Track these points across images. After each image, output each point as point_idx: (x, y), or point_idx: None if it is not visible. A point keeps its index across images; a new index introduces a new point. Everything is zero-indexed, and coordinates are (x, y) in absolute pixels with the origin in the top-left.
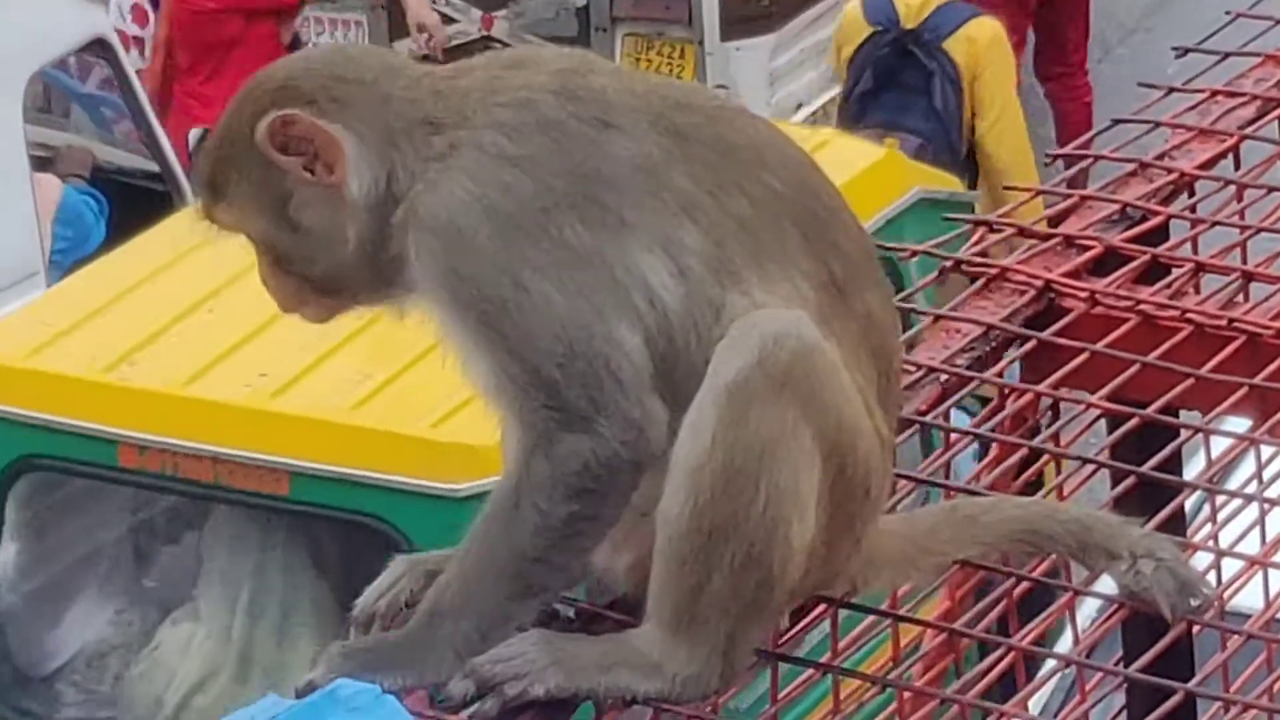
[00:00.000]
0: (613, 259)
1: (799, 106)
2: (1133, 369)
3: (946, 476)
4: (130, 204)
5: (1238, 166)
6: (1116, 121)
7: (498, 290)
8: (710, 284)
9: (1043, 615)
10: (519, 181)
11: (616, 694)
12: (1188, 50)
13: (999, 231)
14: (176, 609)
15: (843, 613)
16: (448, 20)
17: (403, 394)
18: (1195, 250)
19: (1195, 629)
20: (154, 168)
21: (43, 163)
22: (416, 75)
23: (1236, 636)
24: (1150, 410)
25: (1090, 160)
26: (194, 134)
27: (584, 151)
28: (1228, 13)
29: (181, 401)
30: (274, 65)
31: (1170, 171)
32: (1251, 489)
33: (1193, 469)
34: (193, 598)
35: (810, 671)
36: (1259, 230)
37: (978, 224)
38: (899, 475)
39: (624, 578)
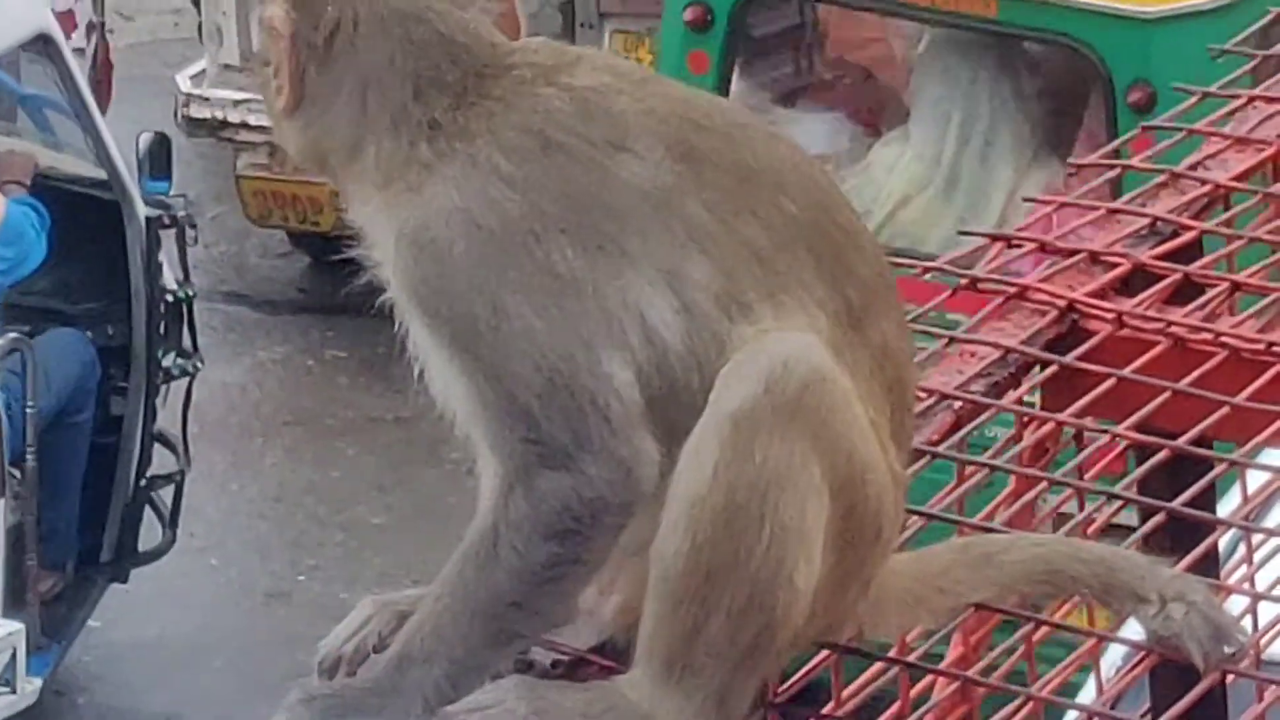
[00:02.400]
0: (606, 289)
1: None
2: (1163, 396)
3: (960, 511)
4: (75, 213)
5: (1277, 178)
6: (1147, 128)
7: (471, 308)
8: (717, 318)
9: (1065, 662)
10: (508, 199)
11: None
12: (1224, 51)
13: (1018, 246)
14: (889, 131)
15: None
16: None
17: None
18: (1231, 269)
19: (1229, 678)
20: (101, 174)
21: None
22: (461, 52)
23: (1274, 687)
24: (1182, 441)
25: (1118, 170)
26: (143, 138)
27: (587, 177)
28: (1268, 11)
29: None
30: None
31: (1204, 183)
32: None
33: (1227, 505)
34: (903, 122)
35: None
36: None
37: (995, 239)
38: (910, 511)
39: (611, 621)
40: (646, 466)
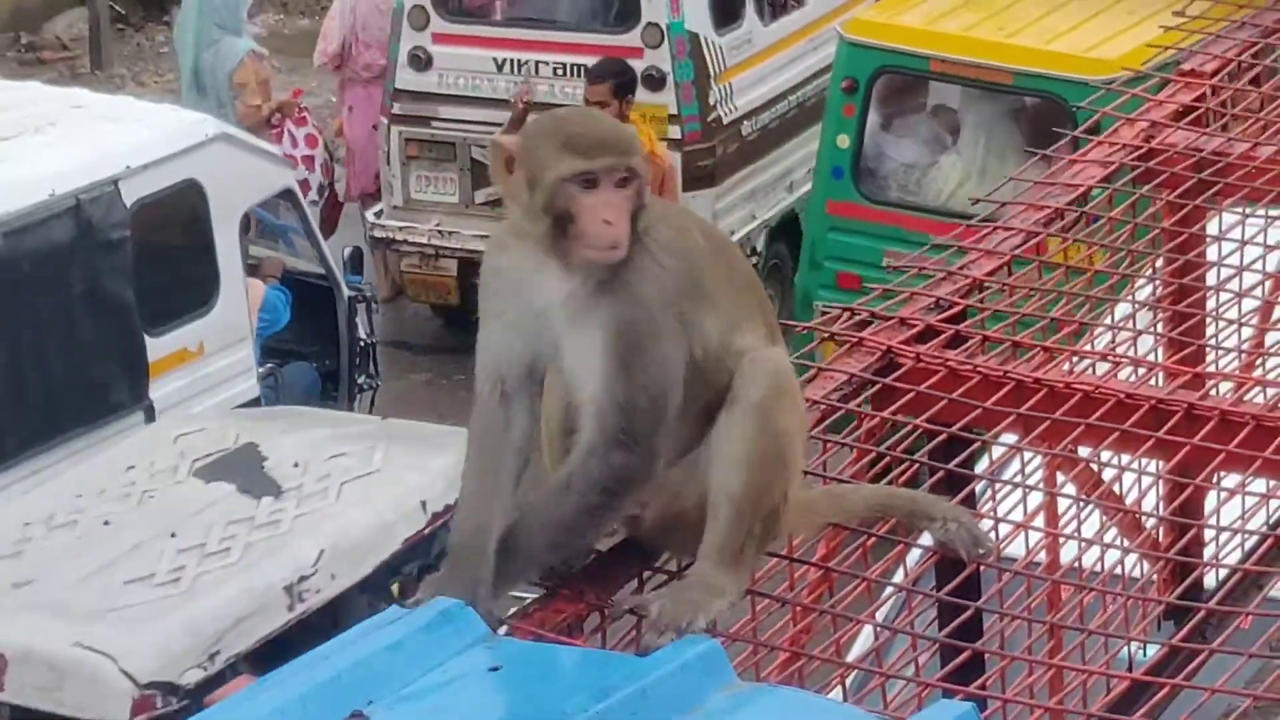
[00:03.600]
0: (704, 324)
1: (731, 233)
2: (943, 402)
3: (824, 469)
4: (306, 295)
5: (1010, 274)
6: (934, 245)
7: (642, 342)
8: (729, 333)
9: (885, 558)
10: (670, 278)
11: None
12: (979, 200)
13: (858, 314)
14: (949, 148)
15: None
16: None
17: (1083, 39)
18: (983, 327)
19: (982, 568)
20: (321, 271)
21: (253, 268)
22: None
23: (1007, 573)
24: (954, 429)
25: (916, 269)
26: (346, 250)
27: (699, 257)
28: (1010, 178)
29: (943, 38)
30: None
31: (968, 277)
32: (1017, 479)
33: (980, 466)
34: (956, 142)
35: None
36: (1023, 315)
37: (844, 309)
38: None
39: (649, 527)
40: (663, 456)
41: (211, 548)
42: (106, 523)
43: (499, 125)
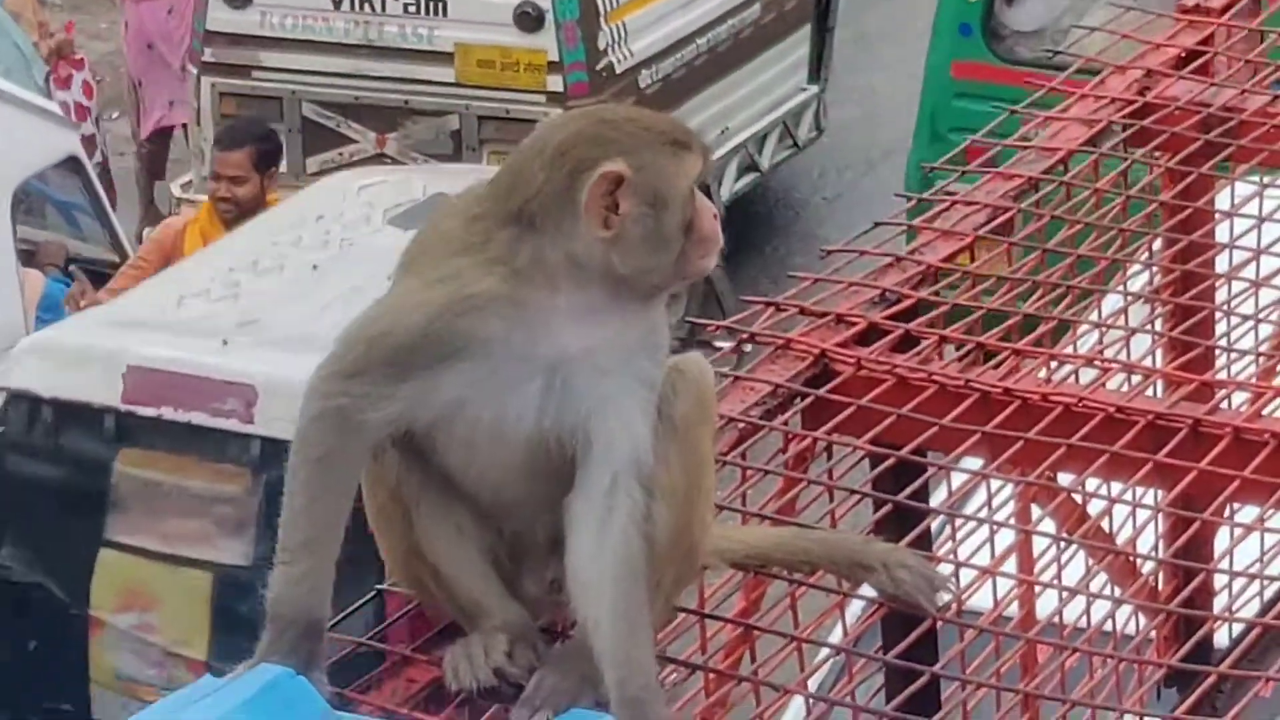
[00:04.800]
0: None
1: None
2: (890, 419)
3: (743, 504)
4: (95, 287)
5: (973, 259)
6: (877, 224)
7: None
8: None
9: (820, 612)
10: None
11: None
12: (933, 168)
13: (785, 310)
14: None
15: None
16: (348, 140)
17: None
18: (939, 326)
19: (940, 624)
20: (114, 258)
21: (28, 255)
22: None
23: (971, 630)
24: (904, 451)
25: (857, 254)
26: (147, 231)
27: None
28: (967, 137)
29: None
30: None
31: (920, 264)
32: (982, 514)
33: (937, 498)
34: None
35: None
36: (989, 310)
37: (768, 304)
38: None
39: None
40: None
41: None
42: (315, 267)
43: (336, 75)
